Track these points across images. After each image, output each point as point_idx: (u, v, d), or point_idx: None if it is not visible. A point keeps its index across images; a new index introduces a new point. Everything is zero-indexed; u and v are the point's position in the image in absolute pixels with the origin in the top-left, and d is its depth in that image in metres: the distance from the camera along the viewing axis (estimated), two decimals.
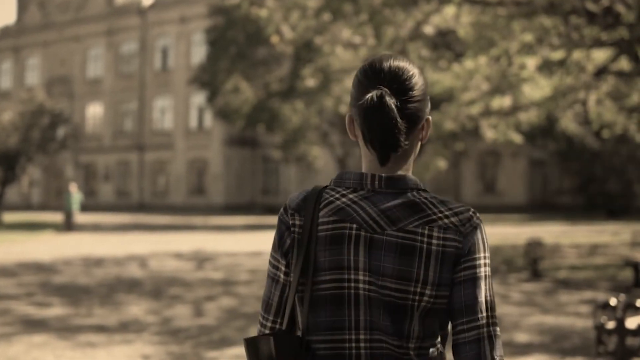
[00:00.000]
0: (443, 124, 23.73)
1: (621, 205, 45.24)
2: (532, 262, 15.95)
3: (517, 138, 28.19)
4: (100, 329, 9.74)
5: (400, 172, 2.03)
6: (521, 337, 9.06)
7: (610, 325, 6.24)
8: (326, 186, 2.06)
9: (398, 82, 1.98)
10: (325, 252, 1.96)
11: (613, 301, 6.25)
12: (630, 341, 6.28)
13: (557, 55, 19.22)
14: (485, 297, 1.94)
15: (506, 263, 18.06)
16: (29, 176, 63.53)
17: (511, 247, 21.92)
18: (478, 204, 51.60)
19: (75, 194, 31.24)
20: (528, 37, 15.99)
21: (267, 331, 2.06)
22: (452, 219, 1.96)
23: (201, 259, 19.37)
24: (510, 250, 21.11)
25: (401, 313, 1.92)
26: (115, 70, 64.55)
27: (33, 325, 10.01)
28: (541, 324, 10.09)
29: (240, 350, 8.39)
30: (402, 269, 1.92)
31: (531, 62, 19.13)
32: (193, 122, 59.89)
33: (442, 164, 33.88)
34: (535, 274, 15.70)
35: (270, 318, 2.06)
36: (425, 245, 1.93)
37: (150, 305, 11.78)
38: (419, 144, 2.08)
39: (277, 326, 2.05)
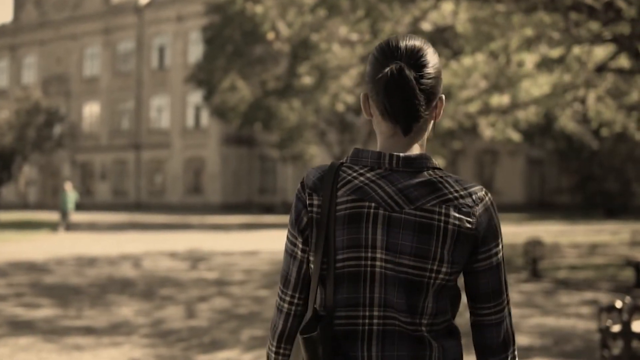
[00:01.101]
0: (440, 122, 23.49)
1: (620, 204, 45.01)
2: (531, 262, 15.68)
3: (515, 136, 27.97)
4: (89, 330, 9.47)
5: (416, 149, 2.08)
6: (522, 340, 8.78)
7: (616, 328, 5.98)
8: (342, 163, 2.09)
9: (414, 59, 2.03)
10: (343, 230, 2.01)
11: (618, 303, 5.99)
12: (637, 345, 6.02)
13: (556, 52, 19.00)
14: (505, 280, 2.12)
15: (505, 263, 17.78)
16: (26, 175, 63.35)
17: (509, 247, 21.64)
18: None
19: (70, 193, 30.93)
20: (528, 31, 15.70)
21: (286, 305, 2.12)
22: (467, 200, 2.03)
23: (196, 259, 19.10)
24: (508, 250, 20.82)
25: (416, 290, 1.98)
26: (112, 68, 64.30)
27: (20, 326, 9.73)
28: (542, 326, 9.81)
29: (230, 354, 8.13)
30: (421, 247, 1.97)
31: (530, 60, 18.90)
32: (190, 121, 59.64)
33: (439, 162, 33.67)
34: (535, 274, 15.43)
35: (289, 293, 2.12)
36: (442, 224, 1.98)
37: (142, 306, 11.51)
38: (432, 122, 2.12)
39: (296, 301, 2.11)
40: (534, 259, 15.61)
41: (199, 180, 58.81)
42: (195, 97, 55.74)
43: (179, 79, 58.03)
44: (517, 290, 13.56)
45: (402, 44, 2.05)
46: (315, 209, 2.05)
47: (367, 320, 2.00)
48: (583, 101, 23.68)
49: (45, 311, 11.05)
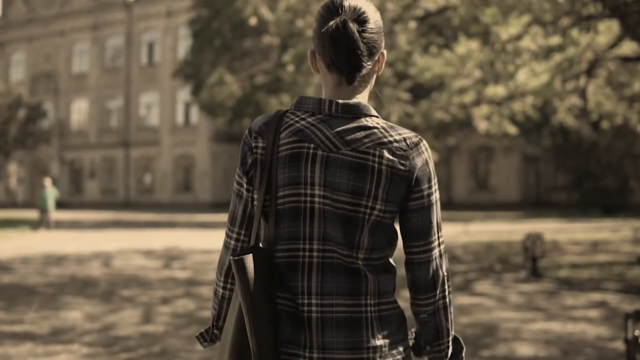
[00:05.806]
0: (433, 113, 22.29)
1: (617, 202, 43.85)
2: (531, 259, 14.45)
3: (511, 129, 26.82)
4: (26, 337, 8.22)
5: (355, 100, 2.19)
6: (524, 349, 7.54)
7: None
8: (287, 110, 2.21)
9: (357, 15, 2.16)
10: (284, 169, 2.13)
11: None
12: None
13: (555, 40, 18.00)
14: (437, 221, 2.19)
15: (501, 261, 16.60)
16: (17, 173, 62.45)
17: (506, 244, 20.54)
18: (470, 200, 50.40)
19: (50, 190, 29.54)
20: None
21: (232, 242, 2.25)
22: (401, 144, 2.15)
23: (171, 257, 17.85)
24: (505, 247, 19.69)
25: (353, 225, 2.10)
26: (101, 65, 63.13)
27: None
28: (546, 332, 8.51)
29: None
30: (356, 185, 2.10)
31: (526, 45, 17.86)
32: (179, 118, 58.54)
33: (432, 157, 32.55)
34: (535, 273, 14.21)
35: (236, 230, 2.24)
36: (376, 165, 2.11)
37: (95, 308, 10.24)
38: (375, 76, 2.27)
39: (242, 237, 2.23)
40: (533, 256, 14.39)
41: (189, 178, 57.73)
42: (185, 93, 54.56)
43: (168, 75, 56.74)
44: (516, 290, 12.35)
45: (346, 3, 2.17)
46: (259, 151, 2.16)
47: (307, 253, 2.11)
48: (583, 92, 22.64)
49: None
